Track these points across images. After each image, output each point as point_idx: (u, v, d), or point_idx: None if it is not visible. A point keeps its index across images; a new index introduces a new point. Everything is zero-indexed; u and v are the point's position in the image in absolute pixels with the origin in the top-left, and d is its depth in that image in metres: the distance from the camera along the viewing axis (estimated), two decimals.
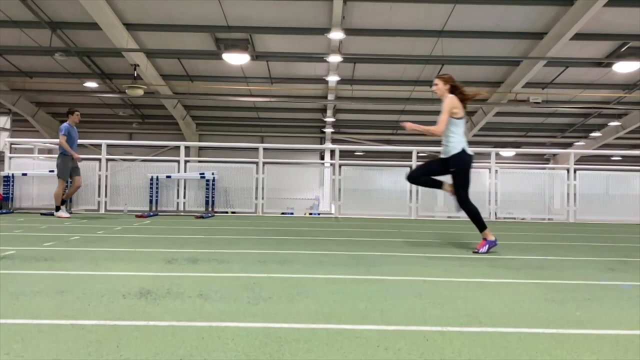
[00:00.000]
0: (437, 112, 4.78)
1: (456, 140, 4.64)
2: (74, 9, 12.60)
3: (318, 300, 2.69)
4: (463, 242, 5.53)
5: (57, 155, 8.36)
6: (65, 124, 8.16)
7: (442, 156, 4.80)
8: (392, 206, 9.59)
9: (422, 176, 5.00)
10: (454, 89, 4.72)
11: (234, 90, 19.15)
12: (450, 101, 4.64)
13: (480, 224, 4.70)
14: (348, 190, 9.60)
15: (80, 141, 8.60)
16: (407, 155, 10.26)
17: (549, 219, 9.92)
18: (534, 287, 3.18)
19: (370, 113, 22.82)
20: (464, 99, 4.70)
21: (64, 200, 8.24)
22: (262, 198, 9.61)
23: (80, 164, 8.36)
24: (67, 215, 8.17)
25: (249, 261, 3.93)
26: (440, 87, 4.76)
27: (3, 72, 18.12)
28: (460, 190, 4.70)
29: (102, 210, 9.48)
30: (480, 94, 4.99)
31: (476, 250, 4.60)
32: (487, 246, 4.59)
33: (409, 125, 4.82)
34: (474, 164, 4.78)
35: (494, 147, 14.35)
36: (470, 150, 4.71)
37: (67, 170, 8.12)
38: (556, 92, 18.39)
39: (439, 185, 4.87)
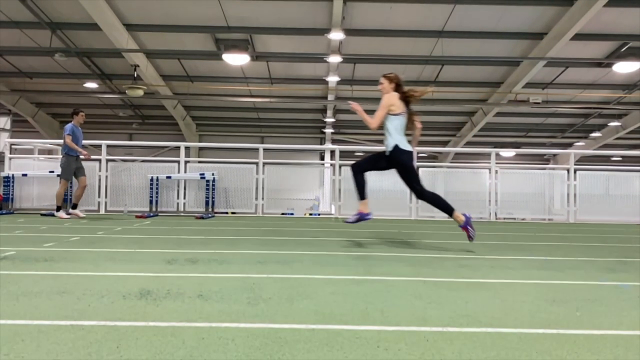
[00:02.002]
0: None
1: (392, 137, 4.76)
2: (74, 10, 12.60)
3: (318, 300, 2.69)
4: (463, 243, 5.53)
5: (57, 156, 8.37)
6: (69, 125, 8.17)
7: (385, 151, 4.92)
8: (393, 206, 9.59)
9: (364, 171, 4.98)
10: (398, 88, 4.84)
11: (234, 91, 19.16)
12: (389, 98, 4.76)
13: (446, 207, 4.77)
14: (348, 190, 9.58)
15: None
16: None
17: (549, 219, 9.92)
18: (534, 288, 3.17)
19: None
20: (407, 98, 4.83)
21: (75, 204, 8.25)
22: (262, 198, 9.61)
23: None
24: (67, 216, 8.19)
25: (249, 262, 3.93)
26: (385, 85, 4.90)
27: (3, 72, 18.13)
28: (413, 184, 4.79)
29: (102, 211, 9.49)
30: (425, 93, 5.02)
31: (348, 220, 4.83)
32: (358, 216, 4.77)
33: (354, 105, 5.04)
34: (414, 161, 4.89)
35: (494, 148, 14.36)
36: (407, 146, 4.79)
37: (71, 170, 8.13)
38: (556, 93, 18.39)
39: (362, 193, 4.87)
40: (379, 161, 4.96)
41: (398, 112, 4.76)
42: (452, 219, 4.84)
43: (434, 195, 4.84)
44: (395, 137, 4.75)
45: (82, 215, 8.28)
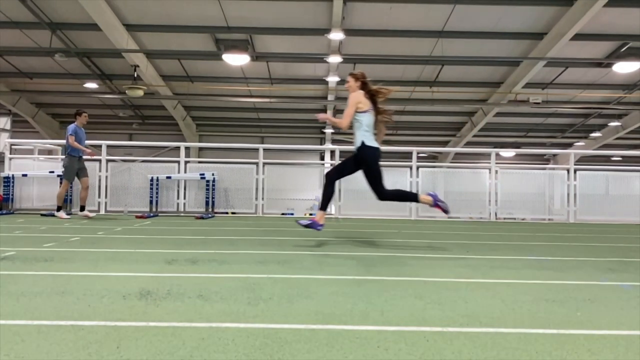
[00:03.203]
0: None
1: (359, 134, 4.78)
2: (74, 10, 12.61)
3: (318, 300, 2.69)
4: (463, 243, 5.53)
5: (57, 156, 8.38)
6: (72, 125, 8.18)
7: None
8: (393, 207, 9.55)
9: (337, 178, 5.01)
10: (364, 86, 4.86)
11: (234, 91, 19.16)
12: (356, 96, 4.79)
13: (409, 196, 4.88)
14: (348, 190, 9.59)
15: None
16: (407, 156, 10.27)
17: (549, 219, 9.92)
18: (534, 288, 3.17)
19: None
20: (374, 96, 4.85)
21: (82, 206, 8.26)
22: (262, 199, 9.61)
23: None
24: (67, 216, 8.20)
25: (249, 262, 3.93)
26: (351, 84, 4.90)
27: (3, 73, 18.13)
28: (374, 185, 4.79)
29: (102, 211, 9.49)
30: (391, 92, 5.04)
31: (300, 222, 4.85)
32: (310, 222, 4.79)
33: (321, 116, 5.06)
34: (381, 160, 4.86)
35: (494, 148, 14.35)
36: (374, 143, 4.80)
37: (73, 171, 8.14)
38: (556, 93, 18.39)
39: (325, 204, 4.88)
40: (348, 163, 4.99)
41: (365, 110, 4.80)
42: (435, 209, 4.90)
43: (394, 192, 4.89)
44: (363, 133, 4.78)
45: (92, 215, 8.33)
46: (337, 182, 5.03)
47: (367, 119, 4.80)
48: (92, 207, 9.56)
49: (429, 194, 4.85)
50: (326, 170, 10.89)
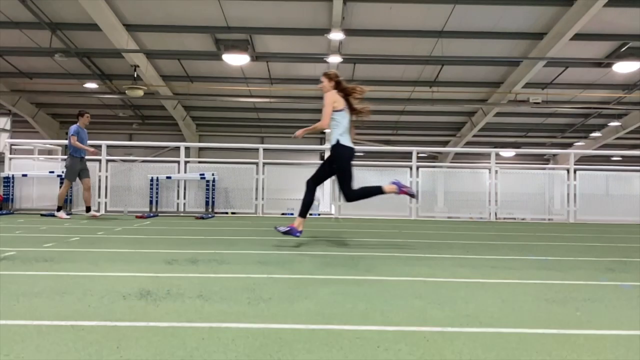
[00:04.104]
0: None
1: (334, 133, 4.81)
2: (73, 10, 12.60)
3: (318, 300, 2.69)
4: (463, 243, 5.53)
5: (57, 157, 8.38)
6: (74, 126, 8.19)
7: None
8: (392, 207, 9.58)
9: (317, 184, 5.02)
10: (338, 85, 4.88)
11: (234, 91, 19.15)
12: (331, 95, 4.82)
13: (374, 191, 4.85)
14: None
15: None
16: (407, 156, 10.26)
17: (549, 219, 9.92)
18: (534, 288, 3.17)
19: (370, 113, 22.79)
20: (348, 95, 4.88)
21: (88, 207, 8.27)
22: (262, 199, 9.61)
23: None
24: (67, 216, 8.21)
25: (249, 262, 3.94)
26: (325, 84, 4.92)
27: (3, 73, 18.12)
28: (343, 186, 4.81)
29: (103, 211, 9.49)
30: (365, 92, 5.06)
31: (280, 229, 4.86)
32: (288, 229, 4.79)
33: (298, 133, 5.05)
34: (354, 158, 4.87)
35: (494, 148, 14.33)
36: (349, 143, 4.81)
37: (75, 171, 8.15)
38: (556, 93, 18.39)
39: (304, 211, 4.89)
40: (324, 167, 5.00)
41: (341, 109, 4.83)
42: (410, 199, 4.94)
43: (360, 191, 4.88)
44: (338, 132, 4.80)
45: (98, 214, 8.40)
46: (317, 189, 5.00)
47: (342, 118, 4.83)
48: (92, 207, 9.56)
49: (392, 182, 4.89)
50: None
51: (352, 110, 4.94)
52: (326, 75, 4.94)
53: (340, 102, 4.82)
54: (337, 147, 4.80)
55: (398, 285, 3.18)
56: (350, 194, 4.84)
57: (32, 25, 13.52)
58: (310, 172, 5.16)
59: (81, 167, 8.21)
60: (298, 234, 4.77)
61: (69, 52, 14.92)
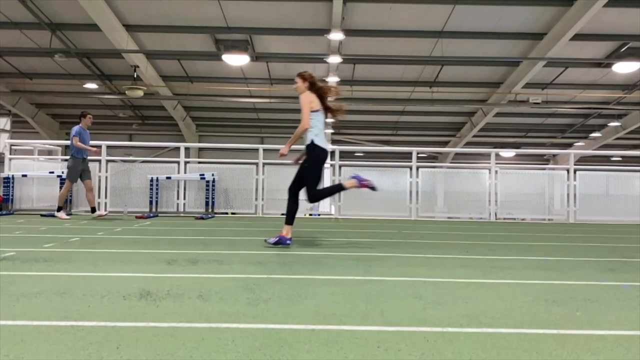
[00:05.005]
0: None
1: (310, 133, 4.82)
2: (73, 10, 12.60)
3: (318, 301, 2.69)
4: (463, 243, 5.53)
5: (57, 157, 8.38)
6: (76, 127, 8.19)
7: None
8: (392, 207, 9.58)
9: (298, 189, 4.98)
10: (312, 86, 4.90)
11: (233, 92, 19.16)
12: (307, 96, 4.84)
13: (335, 188, 4.97)
14: (348, 191, 9.55)
15: None
16: (407, 156, 10.27)
17: (549, 220, 9.92)
18: (534, 288, 3.17)
19: (370, 114, 22.82)
20: (322, 95, 4.90)
21: (93, 208, 8.28)
22: (262, 199, 9.61)
23: None
24: (67, 216, 8.20)
25: (249, 262, 3.94)
26: (299, 85, 4.95)
27: (3, 73, 18.12)
28: (311, 187, 4.81)
29: (103, 212, 9.48)
30: (340, 93, 5.08)
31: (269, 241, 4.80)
32: (278, 239, 4.76)
33: (283, 151, 5.00)
34: (327, 160, 4.97)
35: (494, 148, 14.34)
36: (324, 144, 4.82)
37: (77, 172, 8.15)
38: (556, 93, 18.39)
39: (291, 219, 4.86)
40: (302, 168, 4.99)
41: (316, 109, 4.85)
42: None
43: (322, 191, 4.93)
44: (313, 133, 4.81)
45: (104, 213, 8.45)
46: (299, 195, 4.97)
47: (318, 119, 4.84)
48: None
49: (352, 177, 4.92)
50: (326, 171, 10.94)
51: (327, 110, 4.96)
52: (300, 75, 4.96)
53: (316, 103, 4.84)
54: (312, 147, 4.81)
55: (398, 285, 3.18)
56: (314, 194, 4.85)
57: (32, 25, 13.52)
58: None
59: (83, 168, 8.21)
60: (288, 242, 4.76)
61: (69, 53, 14.92)
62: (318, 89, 4.90)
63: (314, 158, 4.83)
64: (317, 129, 4.81)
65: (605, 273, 3.76)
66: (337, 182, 5.05)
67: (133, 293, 2.76)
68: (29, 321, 2.24)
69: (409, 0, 12.10)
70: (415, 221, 8.96)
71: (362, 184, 4.89)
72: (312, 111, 4.81)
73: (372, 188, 4.95)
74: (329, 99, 4.95)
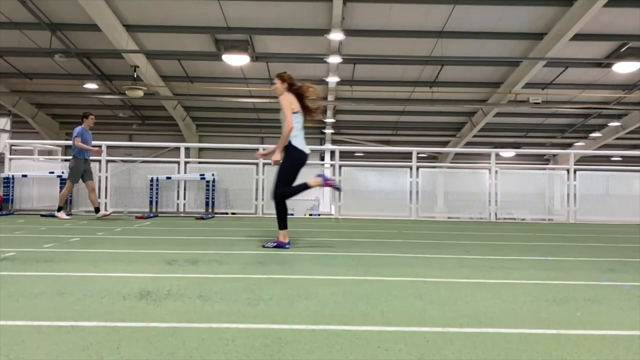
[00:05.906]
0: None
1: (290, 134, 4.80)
2: (73, 11, 12.60)
3: (318, 301, 2.69)
4: (463, 243, 5.54)
5: (56, 157, 8.37)
6: (78, 128, 8.18)
7: None
8: (392, 207, 9.58)
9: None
10: (291, 87, 4.90)
11: (233, 92, 19.16)
12: (287, 97, 4.83)
13: (301, 188, 4.87)
14: (348, 191, 9.59)
15: None
16: (407, 156, 10.28)
17: (549, 220, 9.92)
18: (534, 288, 3.17)
19: (370, 114, 22.83)
20: (301, 96, 4.89)
21: (97, 208, 8.28)
22: (262, 199, 9.61)
23: None
24: (67, 217, 8.20)
25: (249, 262, 3.94)
26: (278, 86, 4.94)
27: (3, 73, 18.11)
28: (279, 186, 4.81)
29: (106, 211, 9.48)
30: (319, 95, 5.04)
31: (266, 245, 4.79)
32: (276, 244, 4.75)
33: (274, 159, 5.00)
34: (308, 162, 4.89)
35: (494, 148, 14.34)
36: (302, 146, 4.81)
37: (79, 173, 8.15)
38: (556, 93, 18.39)
39: (284, 223, 4.87)
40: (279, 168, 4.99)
41: (296, 110, 4.84)
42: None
43: (289, 190, 4.89)
44: (292, 134, 4.79)
45: (108, 212, 8.41)
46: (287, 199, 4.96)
47: (297, 120, 4.83)
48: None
49: (318, 175, 4.92)
50: (326, 171, 10.95)
51: (306, 109, 4.95)
52: (279, 76, 4.96)
53: (296, 105, 4.83)
54: (289, 147, 4.79)
55: (398, 285, 3.18)
56: (281, 193, 4.84)
57: (32, 25, 13.52)
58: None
59: (85, 168, 8.21)
60: (287, 246, 4.75)
61: (69, 53, 14.92)
62: (297, 89, 4.90)
63: (290, 159, 4.82)
64: (296, 129, 4.79)
65: (606, 273, 3.76)
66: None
67: (133, 293, 2.76)
68: (29, 321, 2.24)
69: (409, 1, 12.09)
70: (415, 221, 8.96)
71: (326, 183, 4.92)
72: (293, 112, 4.79)
73: (336, 188, 4.99)
74: (308, 99, 4.93)
